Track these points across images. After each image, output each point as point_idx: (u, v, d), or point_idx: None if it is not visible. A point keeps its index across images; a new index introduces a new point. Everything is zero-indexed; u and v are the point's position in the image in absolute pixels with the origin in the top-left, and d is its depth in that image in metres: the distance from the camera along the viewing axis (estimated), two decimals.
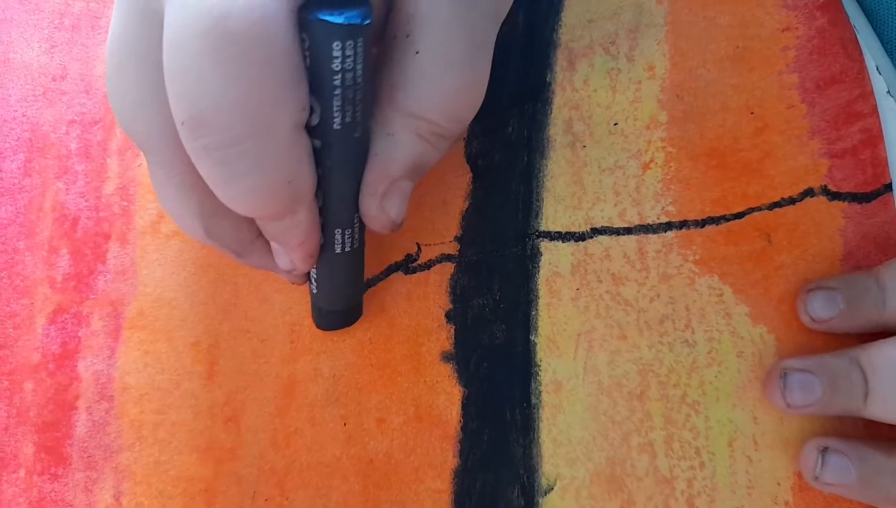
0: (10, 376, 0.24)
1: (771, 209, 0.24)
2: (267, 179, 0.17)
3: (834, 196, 0.24)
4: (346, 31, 0.16)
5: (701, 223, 0.24)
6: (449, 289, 0.24)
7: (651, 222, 0.24)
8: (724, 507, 0.22)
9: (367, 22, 0.16)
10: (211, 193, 0.18)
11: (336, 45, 0.16)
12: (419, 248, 0.25)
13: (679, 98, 0.25)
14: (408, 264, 0.25)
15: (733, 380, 0.23)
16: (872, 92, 0.24)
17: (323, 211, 0.20)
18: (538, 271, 0.24)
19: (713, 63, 0.25)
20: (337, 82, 0.17)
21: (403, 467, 0.23)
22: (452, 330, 0.24)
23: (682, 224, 0.24)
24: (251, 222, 0.20)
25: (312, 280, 0.22)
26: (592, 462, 0.23)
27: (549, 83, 0.25)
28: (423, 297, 0.24)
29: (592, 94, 0.25)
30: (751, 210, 0.24)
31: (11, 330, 0.24)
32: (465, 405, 0.24)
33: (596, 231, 0.24)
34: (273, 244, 0.20)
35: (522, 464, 0.23)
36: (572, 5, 0.26)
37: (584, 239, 0.24)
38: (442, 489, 0.23)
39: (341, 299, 0.23)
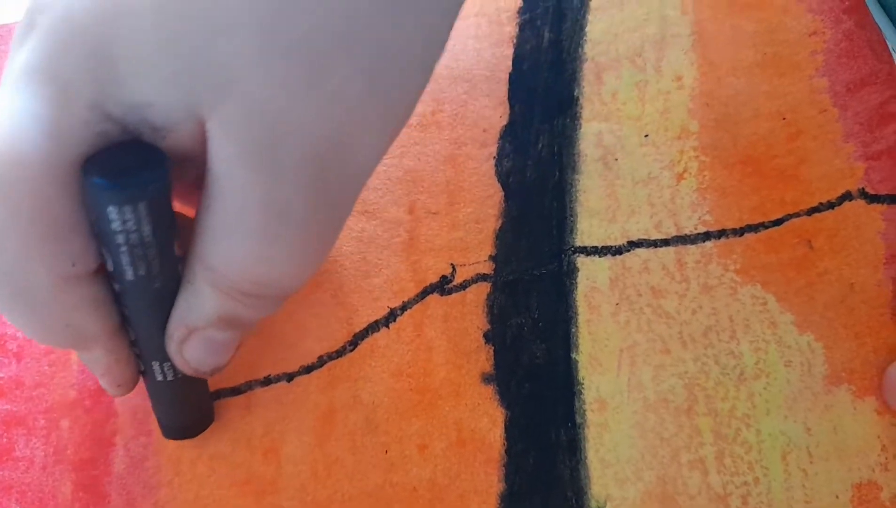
0: (46, 414, 0.24)
1: (810, 215, 0.24)
2: (38, 321, 0.16)
3: (872, 199, 0.24)
4: (124, 197, 0.15)
5: (739, 232, 0.24)
6: (486, 309, 0.24)
7: (688, 233, 0.24)
8: None
9: (152, 186, 0.15)
10: None
11: (111, 210, 0.15)
12: (454, 269, 0.24)
13: (709, 107, 0.25)
14: (443, 286, 0.24)
15: (783, 391, 0.23)
16: None
17: (137, 343, 0.19)
18: (576, 288, 0.24)
19: (742, 70, 0.25)
20: (120, 241, 0.16)
21: (448, 493, 0.23)
22: (492, 351, 0.24)
23: (721, 233, 0.24)
24: None
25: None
26: (642, 481, 0.22)
27: (578, 98, 0.25)
28: (460, 318, 0.24)
29: (622, 106, 0.25)
30: (789, 216, 0.24)
31: (47, 368, 0.24)
32: (509, 427, 0.23)
33: (633, 244, 0.24)
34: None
35: (570, 486, 0.22)
36: (597, 20, 0.26)
37: (621, 253, 0.24)
38: None
39: (176, 417, 0.22)
